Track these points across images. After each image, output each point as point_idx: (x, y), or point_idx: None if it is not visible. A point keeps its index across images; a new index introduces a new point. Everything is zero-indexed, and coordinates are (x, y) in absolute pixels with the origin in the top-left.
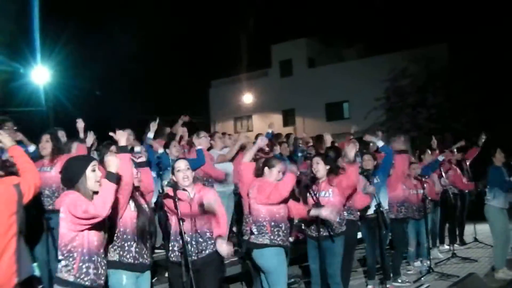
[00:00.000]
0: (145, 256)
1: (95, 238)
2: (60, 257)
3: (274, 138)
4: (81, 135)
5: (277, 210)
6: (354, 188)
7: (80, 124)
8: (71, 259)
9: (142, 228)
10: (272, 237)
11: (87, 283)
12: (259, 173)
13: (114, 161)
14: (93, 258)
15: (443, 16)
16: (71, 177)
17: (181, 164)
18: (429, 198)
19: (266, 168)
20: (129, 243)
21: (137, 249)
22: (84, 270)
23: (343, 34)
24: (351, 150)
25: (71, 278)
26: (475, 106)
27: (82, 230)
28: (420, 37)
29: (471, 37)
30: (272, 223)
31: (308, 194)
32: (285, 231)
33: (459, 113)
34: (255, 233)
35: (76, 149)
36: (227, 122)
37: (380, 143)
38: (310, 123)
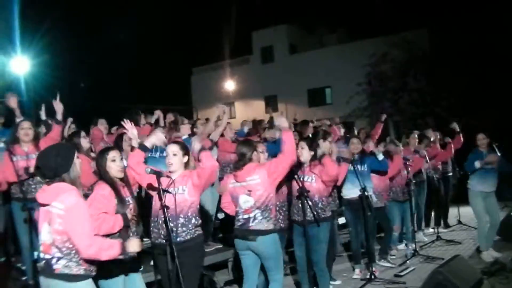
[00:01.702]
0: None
1: None
2: (57, 254)
3: (258, 125)
4: (59, 116)
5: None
6: (335, 179)
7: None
8: (74, 256)
9: (125, 224)
10: (275, 222)
11: (93, 273)
12: (241, 163)
13: None
14: None
15: (423, 1)
16: (61, 166)
17: (169, 149)
18: (413, 181)
19: (263, 155)
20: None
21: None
22: (90, 261)
23: (323, 20)
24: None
25: (82, 272)
26: (456, 91)
27: None
28: (401, 22)
29: (452, 22)
30: (277, 207)
31: (293, 178)
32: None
33: (441, 97)
34: (259, 218)
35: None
36: (210, 109)
37: (381, 157)
38: (292, 109)
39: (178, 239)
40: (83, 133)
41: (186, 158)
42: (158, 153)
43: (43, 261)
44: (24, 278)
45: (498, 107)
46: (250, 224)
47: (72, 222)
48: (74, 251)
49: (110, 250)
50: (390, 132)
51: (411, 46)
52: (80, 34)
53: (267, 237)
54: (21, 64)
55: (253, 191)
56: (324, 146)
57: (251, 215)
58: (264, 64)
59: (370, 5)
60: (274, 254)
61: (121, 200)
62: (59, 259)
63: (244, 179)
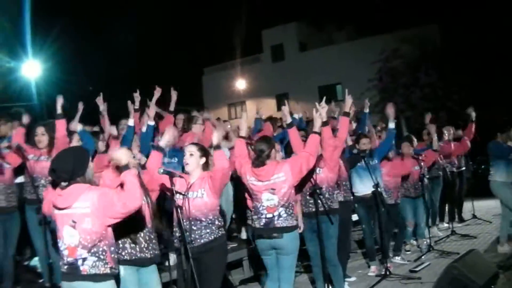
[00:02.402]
0: (145, 250)
1: (111, 229)
2: (84, 255)
3: (272, 122)
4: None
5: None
6: (315, 155)
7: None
8: (102, 253)
9: (137, 226)
10: (297, 219)
11: (117, 271)
12: (260, 160)
13: (122, 154)
14: (114, 247)
15: None
16: (79, 169)
17: (186, 149)
18: (427, 176)
19: (278, 154)
20: (123, 239)
21: (132, 245)
22: (115, 260)
23: (333, 17)
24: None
25: (108, 271)
26: (468, 85)
27: (110, 225)
28: (410, 18)
29: (462, 16)
30: (296, 203)
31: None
32: None
33: (453, 91)
34: (284, 216)
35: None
36: (221, 109)
37: (392, 125)
38: (304, 107)
39: (202, 241)
40: (101, 136)
41: (203, 159)
42: (166, 159)
43: (66, 266)
44: (40, 280)
45: (507, 102)
46: (276, 222)
47: (107, 205)
48: (101, 250)
49: (132, 182)
50: (402, 128)
51: (421, 41)
52: (90, 37)
53: (292, 233)
54: (32, 68)
55: (277, 189)
56: None
57: (275, 213)
58: (275, 62)
59: (378, 1)
60: (294, 250)
61: None
62: (85, 259)
63: (269, 178)
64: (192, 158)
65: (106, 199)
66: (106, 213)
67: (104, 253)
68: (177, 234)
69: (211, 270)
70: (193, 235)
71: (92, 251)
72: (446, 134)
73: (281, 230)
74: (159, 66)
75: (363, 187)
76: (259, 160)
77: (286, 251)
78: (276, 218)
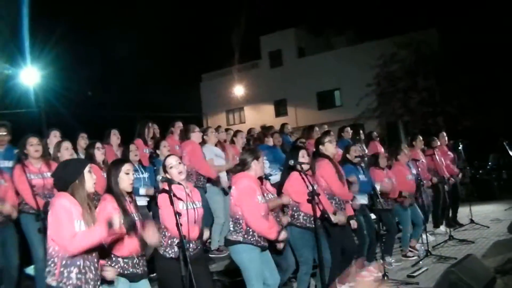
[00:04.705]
0: (137, 266)
1: None
2: (48, 262)
3: (265, 130)
4: None
5: None
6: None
7: None
8: (52, 264)
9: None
10: (246, 235)
11: (69, 287)
12: (237, 168)
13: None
14: (78, 263)
15: (431, 1)
16: (67, 178)
17: (173, 160)
18: (424, 182)
19: (254, 161)
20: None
21: (125, 260)
22: (66, 274)
23: (331, 22)
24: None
25: (54, 283)
26: (467, 89)
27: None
28: (409, 22)
29: (460, 20)
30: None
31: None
32: None
33: (452, 96)
34: (231, 229)
35: None
36: (219, 115)
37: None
38: (302, 113)
39: (199, 246)
40: (97, 144)
41: (185, 167)
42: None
43: None
44: None
45: (507, 106)
46: (227, 234)
47: (51, 223)
48: (52, 260)
49: (92, 236)
50: (400, 133)
51: (420, 46)
52: (89, 44)
53: (234, 247)
54: (31, 75)
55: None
56: (328, 148)
57: (230, 224)
58: (273, 68)
59: (377, 5)
60: (243, 265)
61: (125, 213)
62: (46, 267)
63: (232, 185)
64: (182, 166)
65: (54, 218)
66: (50, 228)
67: (53, 265)
68: (175, 241)
69: (208, 271)
70: (197, 242)
71: (47, 258)
72: (439, 143)
73: (229, 242)
74: (157, 72)
75: (360, 195)
76: (235, 168)
77: (238, 265)
78: (228, 229)
